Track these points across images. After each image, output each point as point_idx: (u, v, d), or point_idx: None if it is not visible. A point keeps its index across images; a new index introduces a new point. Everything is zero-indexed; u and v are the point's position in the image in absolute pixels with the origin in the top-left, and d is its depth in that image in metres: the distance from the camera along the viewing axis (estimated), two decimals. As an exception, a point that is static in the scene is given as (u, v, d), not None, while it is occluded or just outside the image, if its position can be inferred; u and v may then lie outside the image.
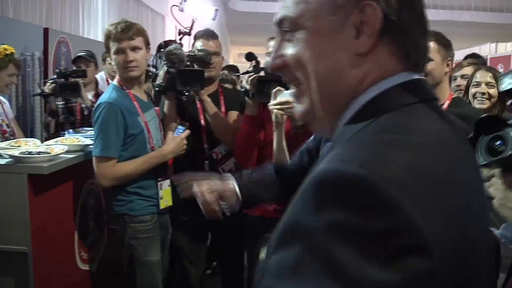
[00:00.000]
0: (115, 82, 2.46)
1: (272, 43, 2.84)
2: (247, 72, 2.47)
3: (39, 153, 2.18)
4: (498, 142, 1.16)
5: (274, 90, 2.16)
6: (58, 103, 3.28)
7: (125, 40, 2.28)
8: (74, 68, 3.63)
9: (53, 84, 3.19)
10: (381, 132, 0.66)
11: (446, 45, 2.26)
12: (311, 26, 0.73)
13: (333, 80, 0.73)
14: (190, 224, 2.63)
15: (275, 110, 2.13)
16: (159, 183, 2.45)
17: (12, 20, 4.13)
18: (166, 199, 2.48)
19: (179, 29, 2.97)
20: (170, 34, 9.44)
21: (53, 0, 5.14)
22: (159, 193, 2.45)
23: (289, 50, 0.76)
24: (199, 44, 2.66)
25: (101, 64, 4.19)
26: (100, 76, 4.18)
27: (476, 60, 3.35)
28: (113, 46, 2.31)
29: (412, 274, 0.55)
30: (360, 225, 0.55)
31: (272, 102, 2.14)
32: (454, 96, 2.39)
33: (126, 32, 2.29)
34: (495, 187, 1.16)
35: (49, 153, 2.19)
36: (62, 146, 2.28)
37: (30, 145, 2.35)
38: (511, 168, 1.14)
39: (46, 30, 4.27)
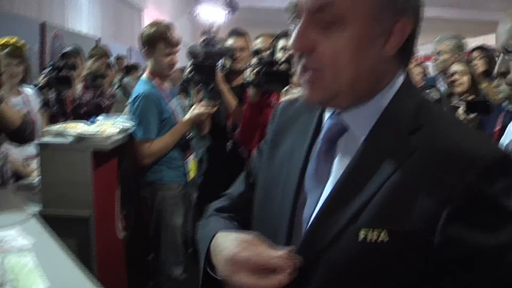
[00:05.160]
0: (145, 76, 2.88)
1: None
2: (252, 65, 2.93)
3: (96, 133, 2.56)
4: None
5: (284, 89, 2.64)
6: (50, 96, 3.62)
7: (177, 46, 2.74)
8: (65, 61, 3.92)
9: (46, 77, 3.54)
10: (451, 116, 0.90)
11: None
12: (357, 26, 0.79)
13: (364, 77, 0.82)
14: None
15: None
16: (185, 157, 2.91)
17: (8, 14, 4.35)
18: (192, 172, 2.94)
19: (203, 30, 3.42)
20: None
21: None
22: (186, 166, 2.91)
23: (327, 42, 0.80)
24: (228, 41, 3.13)
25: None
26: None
27: (484, 53, 3.78)
28: (166, 48, 2.74)
29: None
30: None
31: (283, 98, 2.64)
32: None
33: (178, 40, 2.74)
34: None
35: (104, 134, 2.57)
36: (113, 128, 2.66)
37: (82, 127, 2.70)
38: None
39: (43, 24, 4.51)
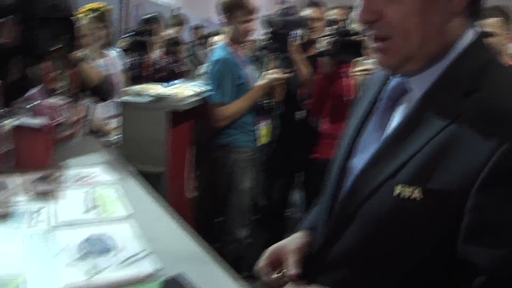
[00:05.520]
0: (223, 42, 2.96)
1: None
2: (326, 35, 2.94)
3: (172, 95, 2.67)
4: None
5: (355, 59, 2.65)
6: (131, 59, 3.79)
7: (254, 14, 2.80)
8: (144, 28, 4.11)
9: (128, 42, 3.72)
10: None
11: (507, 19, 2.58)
12: None
13: (433, 37, 0.82)
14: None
15: (358, 76, 2.63)
16: (258, 123, 2.99)
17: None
18: (263, 138, 3.02)
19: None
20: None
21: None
22: (258, 132, 2.98)
23: (392, 9, 0.81)
24: (305, 11, 3.15)
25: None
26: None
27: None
28: (243, 15, 2.82)
29: None
30: None
31: (356, 69, 2.64)
32: None
33: (255, 7, 2.81)
34: None
35: (180, 95, 2.68)
36: (189, 91, 2.76)
37: (159, 89, 2.83)
38: None
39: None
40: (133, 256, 0.98)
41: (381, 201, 0.83)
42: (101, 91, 2.56)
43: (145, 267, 0.94)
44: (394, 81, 0.93)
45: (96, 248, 1.01)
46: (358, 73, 2.61)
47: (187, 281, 0.90)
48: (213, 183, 3.06)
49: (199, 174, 3.11)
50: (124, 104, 2.66)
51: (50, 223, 1.15)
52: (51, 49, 2.26)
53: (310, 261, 0.98)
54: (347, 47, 2.77)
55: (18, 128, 1.59)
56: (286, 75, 2.93)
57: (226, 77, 2.82)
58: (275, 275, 1.02)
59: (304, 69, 3.06)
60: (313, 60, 3.09)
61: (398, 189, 0.80)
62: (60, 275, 0.91)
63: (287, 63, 3.04)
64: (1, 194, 1.31)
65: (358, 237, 0.87)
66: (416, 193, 0.78)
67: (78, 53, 2.68)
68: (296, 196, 3.54)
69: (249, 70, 2.98)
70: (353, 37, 2.76)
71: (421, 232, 0.79)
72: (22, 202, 1.27)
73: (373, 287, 0.85)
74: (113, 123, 3.12)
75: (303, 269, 0.98)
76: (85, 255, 0.98)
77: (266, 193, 3.36)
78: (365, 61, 2.63)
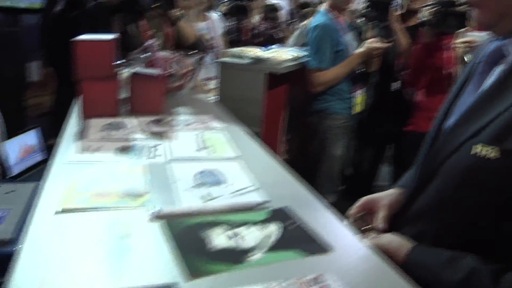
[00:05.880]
0: (324, 8, 2.96)
1: None
2: (429, 5, 2.86)
3: (271, 58, 2.74)
4: None
5: (458, 31, 2.56)
6: (230, 23, 3.89)
7: None
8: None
9: (228, 6, 3.82)
10: None
11: None
12: None
13: None
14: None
15: (459, 49, 2.54)
16: (354, 90, 3.00)
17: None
18: (358, 106, 3.02)
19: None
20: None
21: None
22: (353, 99, 2.99)
23: None
24: None
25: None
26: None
27: None
28: None
29: None
30: None
31: (459, 40, 2.55)
32: None
33: None
34: None
35: (278, 59, 2.74)
36: (287, 55, 2.81)
37: (258, 52, 2.90)
38: None
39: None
40: (243, 188, 1.06)
41: (460, 158, 0.86)
42: (196, 50, 2.69)
43: (254, 198, 1.02)
44: (493, 45, 0.94)
45: (209, 179, 1.11)
46: (459, 45, 2.53)
47: (293, 213, 0.97)
48: (304, 148, 3.12)
49: (290, 138, 3.18)
50: (224, 65, 2.76)
51: (167, 157, 1.27)
52: (151, 7, 2.41)
53: (395, 215, 1.05)
54: (450, 18, 2.69)
55: (135, 76, 1.73)
56: (385, 45, 2.90)
57: (325, 43, 2.84)
58: (361, 223, 1.10)
59: (403, 39, 3.01)
60: (412, 31, 3.03)
61: (476, 148, 0.83)
62: (179, 198, 1.01)
63: (386, 32, 3.00)
64: (122, 131, 1.45)
65: (438, 193, 0.92)
66: (493, 153, 0.81)
67: (176, 12, 2.82)
68: (385, 169, 3.51)
69: (348, 38, 2.98)
70: (457, 8, 2.68)
71: (496, 191, 0.81)
72: (140, 139, 1.39)
73: (449, 241, 0.89)
74: (212, 84, 3.25)
75: (390, 225, 1.04)
76: (200, 185, 1.08)
77: (355, 163, 3.37)
78: (468, 33, 2.54)
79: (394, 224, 1.03)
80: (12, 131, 2.82)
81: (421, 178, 0.97)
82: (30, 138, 3.02)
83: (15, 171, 2.86)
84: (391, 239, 0.94)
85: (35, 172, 2.98)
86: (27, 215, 1.37)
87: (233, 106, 2.73)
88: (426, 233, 0.93)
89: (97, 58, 1.53)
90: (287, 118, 3.11)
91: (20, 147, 2.91)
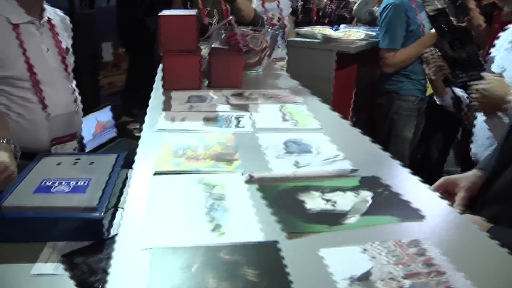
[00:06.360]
0: None
1: None
2: None
3: (341, 37, 2.73)
4: None
5: None
6: (298, 4, 3.86)
7: None
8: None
9: None
10: None
11: None
12: None
13: None
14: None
15: None
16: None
17: None
18: (430, 88, 2.95)
19: None
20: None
21: None
22: (426, 81, 2.92)
23: None
24: None
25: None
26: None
27: None
28: None
29: None
30: None
31: None
32: None
33: None
34: None
35: (349, 38, 2.73)
36: (358, 34, 2.79)
37: (328, 31, 2.90)
38: None
39: None
40: (331, 157, 1.08)
41: None
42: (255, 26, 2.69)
43: (343, 166, 1.04)
44: None
45: (297, 148, 1.13)
46: None
47: (383, 181, 0.98)
48: (372, 128, 3.09)
49: (357, 118, 3.16)
50: (293, 44, 2.78)
51: (253, 127, 1.30)
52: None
53: (473, 198, 1.06)
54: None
55: (215, 51, 1.77)
56: (462, 25, 2.81)
57: (397, 22, 2.79)
58: None
59: (479, 18, 2.91)
60: (489, 9, 2.92)
61: None
62: (270, 164, 1.04)
63: (461, 10, 2.91)
64: (206, 102, 1.50)
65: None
66: None
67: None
68: (453, 155, 3.44)
69: (423, 17, 2.91)
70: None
71: None
72: (224, 111, 1.43)
73: None
74: (280, 63, 3.26)
75: (467, 207, 1.05)
76: (288, 153, 1.10)
77: (424, 147, 3.31)
78: None
79: (472, 206, 1.03)
80: (88, 109, 2.95)
81: (499, 163, 0.97)
82: (103, 116, 3.16)
83: (90, 146, 3.00)
84: (469, 220, 0.95)
85: (107, 149, 3.11)
86: (107, 184, 1.46)
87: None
88: (503, 216, 0.93)
89: (181, 32, 1.58)
90: (356, 98, 3.09)
91: (94, 124, 3.05)
